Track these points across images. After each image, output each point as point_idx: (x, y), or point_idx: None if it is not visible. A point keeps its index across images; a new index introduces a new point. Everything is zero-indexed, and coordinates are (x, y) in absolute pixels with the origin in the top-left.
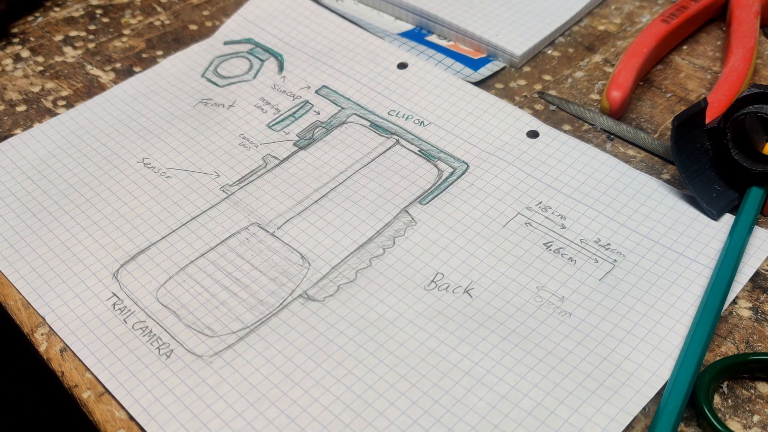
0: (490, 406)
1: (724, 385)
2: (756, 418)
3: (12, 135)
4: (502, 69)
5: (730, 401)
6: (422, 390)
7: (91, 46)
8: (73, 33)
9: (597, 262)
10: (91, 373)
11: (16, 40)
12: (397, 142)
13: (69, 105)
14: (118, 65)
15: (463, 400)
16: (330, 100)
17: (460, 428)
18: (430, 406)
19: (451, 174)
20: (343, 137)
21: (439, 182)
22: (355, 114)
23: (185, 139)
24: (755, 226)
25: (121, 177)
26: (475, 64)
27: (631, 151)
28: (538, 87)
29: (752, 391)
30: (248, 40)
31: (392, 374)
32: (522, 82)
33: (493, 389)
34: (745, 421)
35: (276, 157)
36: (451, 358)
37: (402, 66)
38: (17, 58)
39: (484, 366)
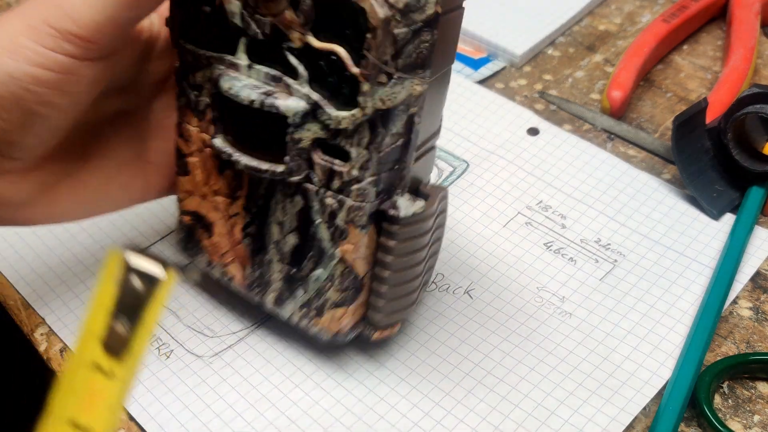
0: (490, 407)
1: (725, 385)
2: (756, 418)
3: None
4: (503, 69)
5: (730, 401)
6: (422, 392)
7: None
8: None
9: (597, 262)
10: None
11: None
12: None
13: None
14: None
15: (463, 402)
16: None
17: (461, 430)
18: (431, 409)
19: (452, 173)
20: None
21: (439, 181)
22: None
23: None
24: (756, 226)
25: None
26: (475, 64)
27: (632, 151)
28: (538, 87)
29: (753, 391)
30: None
31: (393, 377)
32: (522, 82)
33: (494, 390)
34: (745, 421)
35: None
36: (451, 359)
37: None
38: None
39: (485, 367)
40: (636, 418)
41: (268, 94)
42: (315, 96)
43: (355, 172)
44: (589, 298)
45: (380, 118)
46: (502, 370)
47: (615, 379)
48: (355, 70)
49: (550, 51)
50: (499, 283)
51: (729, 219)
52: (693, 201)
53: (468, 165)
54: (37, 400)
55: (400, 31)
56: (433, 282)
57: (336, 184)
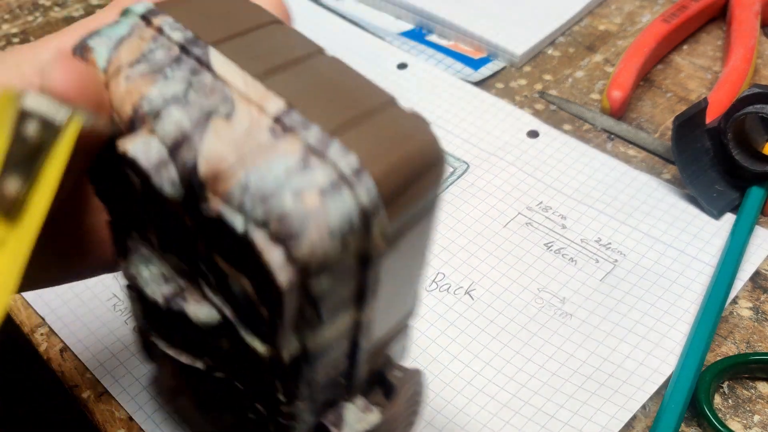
0: (491, 414)
1: (725, 385)
2: (756, 418)
3: None
4: (503, 69)
5: (730, 401)
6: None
7: None
8: None
9: (598, 262)
10: (91, 374)
11: (16, 40)
12: None
13: None
14: None
15: (465, 410)
16: None
17: None
18: (433, 417)
19: (452, 174)
20: None
21: None
22: None
23: None
24: (756, 226)
25: None
26: (475, 64)
27: (632, 151)
28: (538, 87)
29: (753, 391)
30: None
31: None
32: (522, 82)
33: (495, 398)
34: (745, 421)
35: None
36: (452, 367)
37: (402, 66)
38: None
39: (486, 375)
40: (636, 418)
41: (177, 293)
42: (228, 312)
43: (281, 398)
44: (590, 298)
45: (305, 357)
46: (503, 378)
47: (615, 378)
48: (264, 313)
49: (550, 51)
50: (499, 283)
51: (729, 218)
52: (693, 201)
53: (468, 166)
54: (37, 399)
55: (317, 287)
56: (433, 282)
57: (262, 395)
